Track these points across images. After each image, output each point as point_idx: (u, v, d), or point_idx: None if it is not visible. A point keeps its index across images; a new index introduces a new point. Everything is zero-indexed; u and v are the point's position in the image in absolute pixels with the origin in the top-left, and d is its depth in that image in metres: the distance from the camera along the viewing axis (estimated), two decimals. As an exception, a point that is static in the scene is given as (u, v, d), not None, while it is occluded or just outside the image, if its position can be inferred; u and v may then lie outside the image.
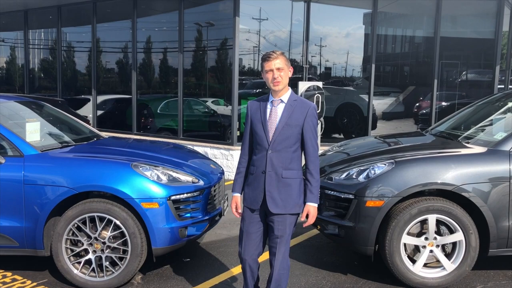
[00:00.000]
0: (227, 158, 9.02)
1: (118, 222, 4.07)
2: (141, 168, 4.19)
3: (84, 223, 4.13)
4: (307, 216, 3.27)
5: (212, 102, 10.35)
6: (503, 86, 11.14)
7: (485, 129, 4.93)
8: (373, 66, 9.62)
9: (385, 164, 4.15)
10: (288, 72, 3.27)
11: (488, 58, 10.27)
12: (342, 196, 4.19)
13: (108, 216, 4.08)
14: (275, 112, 3.26)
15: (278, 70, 3.19)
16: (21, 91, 13.21)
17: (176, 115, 10.09)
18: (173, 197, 4.15)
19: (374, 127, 9.99)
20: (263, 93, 9.86)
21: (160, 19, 10.97)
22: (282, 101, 3.27)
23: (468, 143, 4.58)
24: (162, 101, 10.88)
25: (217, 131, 10.31)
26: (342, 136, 10.30)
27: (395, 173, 4.05)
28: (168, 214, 4.12)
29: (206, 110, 10.42)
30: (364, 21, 10.30)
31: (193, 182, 4.39)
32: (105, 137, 5.68)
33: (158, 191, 4.11)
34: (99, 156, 4.43)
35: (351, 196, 4.12)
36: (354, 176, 4.24)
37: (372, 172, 4.15)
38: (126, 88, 11.11)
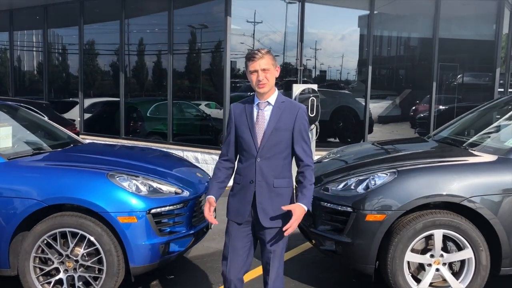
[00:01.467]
0: (218, 164, 8.63)
1: (92, 238, 3.68)
2: (118, 178, 3.80)
3: (54, 239, 3.73)
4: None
5: (203, 105, 10.00)
6: (502, 90, 10.86)
7: (492, 135, 4.58)
8: (370, 68, 9.29)
9: (387, 174, 3.78)
10: (275, 72, 2.94)
11: (488, 61, 9.96)
12: (340, 209, 3.81)
13: (81, 232, 3.68)
14: (262, 115, 2.94)
15: (264, 71, 2.87)
16: (5, 94, 12.77)
17: (166, 119, 9.72)
18: (153, 210, 3.76)
19: (370, 131, 9.67)
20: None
21: (150, 20, 10.63)
22: (269, 103, 2.95)
23: (474, 150, 4.23)
24: (151, 104, 10.53)
25: (208, 135, 9.97)
26: (337, 140, 9.97)
27: (398, 184, 3.68)
28: (147, 229, 3.73)
29: (197, 113, 10.08)
30: (359, 23, 10.02)
31: (176, 193, 4.01)
32: (84, 142, 5.28)
33: (136, 204, 3.72)
34: (73, 164, 4.05)
35: (349, 209, 3.75)
36: (352, 187, 3.86)
37: (372, 182, 3.78)
38: (114, 90, 10.73)
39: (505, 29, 9.90)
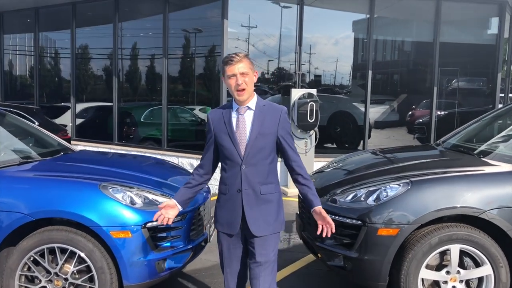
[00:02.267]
0: (215, 171, 8.37)
1: (82, 255, 3.42)
2: (111, 190, 3.53)
3: (42, 255, 3.46)
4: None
5: (199, 110, 9.75)
6: (503, 95, 10.70)
7: (505, 143, 4.35)
8: (370, 73, 9.08)
9: (399, 185, 3.53)
10: (253, 77, 2.83)
11: (489, 66, 9.79)
12: (349, 222, 3.56)
13: (70, 248, 3.42)
14: (243, 121, 2.83)
15: (242, 75, 2.75)
16: (-5, 99, 12.46)
17: (161, 124, 9.44)
18: (149, 224, 3.50)
19: (368, 136, 9.45)
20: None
21: (144, 23, 10.36)
22: (249, 108, 2.85)
23: (488, 158, 4.00)
24: (145, 109, 10.26)
25: (204, 140, 9.67)
26: (335, 146, 9.74)
27: (412, 195, 3.44)
28: (143, 244, 3.47)
29: (193, 118, 9.83)
30: (358, 27, 9.84)
31: (173, 205, 3.73)
32: (76, 150, 5.01)
33: (131, 217, 3.46)
34: (63, 175, 3.77)
35: (359, 223, 3.50)
36: (362, 199, 3.62)
37: (384, 194, 3.53)
38: (107, 95, 10.44)
39: (505, 34, 9.74)
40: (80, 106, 11.02)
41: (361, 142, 9.41)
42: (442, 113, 9.83)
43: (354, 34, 9.95)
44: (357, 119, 9.57)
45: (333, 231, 2.75)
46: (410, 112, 10.21)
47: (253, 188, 2.79)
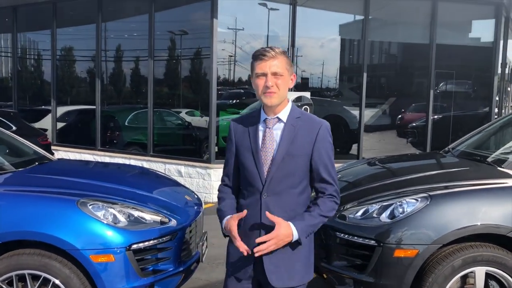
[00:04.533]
0: (204, 178, 7.96)
1: (57, 282, 2.98)
2: (91, 207, 3.10)
3: (10, 283, 3.01)
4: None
5: (186, 113, 9.34)
6: (497, 99, 10.48)
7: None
8: (365, 75, 8.75)
9: (417, 200, 3.16)
10: (289, 81, 2.23)
11: (485, 68, 9.54)
12: (361, 242, 3.18)
13: (44, 274, 2.98)
14: (271, 136, 2.24)
15: (275, 76, 2.17)
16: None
17: (146, 128, 9.00)
18: (134, 246, 3.08)
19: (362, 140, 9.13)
20: (241, 104, 8.90)
21: (129, 23, 9.92)
22: (279, 119, 2.25)
23: (504, 167, 3.65)
24: (130, 112, 9.81)
25: (192, 145, 9.32)
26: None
27: (432, 211, 3.07)
28: (127, 269, 3.04)
29: (180, 122, 9.42)
30: (347, 30, 9.55)
31: (162, 223, 3.32)
32: (54, 159, 4.55)
33: (113, 238, 3.03)
34: (36, 190, 3.32)
35: (373, 242, 3.12)
36: (374, 215, 3.23)
37: (400, 210, 3.15)
38: (90, 98, 9.96)
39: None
40: (61, 110, 10.54)
41: (353, 146, 9.12)
42: (436, 116, 9.56)
43: (347, 36, 9.67)
44: (349, 123, 9.26)
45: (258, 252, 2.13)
46: (400, 116, 9.95)
47: None
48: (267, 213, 2.14)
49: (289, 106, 2.27)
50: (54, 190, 3.33)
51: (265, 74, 2.17)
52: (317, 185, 2.26)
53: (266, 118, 2.26)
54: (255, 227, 2.22)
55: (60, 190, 3.35)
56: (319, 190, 2.26)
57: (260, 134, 2.25)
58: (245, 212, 2.18)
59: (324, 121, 2.28)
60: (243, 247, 2.15)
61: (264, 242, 2.11)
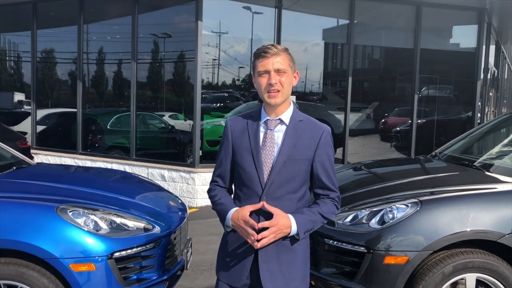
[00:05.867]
0: (188, 182, 7.83)
1: (35, 293, 2.84)
2: (71, 213, 2.98)
3: (-16, 294, 2.86)
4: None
5: (169, 116, 9.21)
6: (480, 104, 10.57)
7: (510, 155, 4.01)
8: (350, 79, 8.74)
9: (407, 205, 3.11)
10: (293, 79, 2.16)
11: (468, 73, 9.62)
12: (350, 249, 3.11)
13: (20, 285, 2.83)
14: (272, 138, 2.14)
15: (278, 73, 2.08)
16: None
17: (129, 131, 8.83)
18: (116, 254, 2.96)
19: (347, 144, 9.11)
20: (225, 107, 8.81)
21: (112, 25, 9.74)
22: (282, 121, 2.16)
23: (493, 173, 3.63)
24: (112, 115, 9.63)
25: (175, 149, 9.17)
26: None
27: (422, 217, 3.02)
28: (109, 278, 2.93)
29: (163, 125, 9.28)
30: (331, 34, 9.54)
31: (145, 230, 3.21)
32: (33, 164, 4.39)
33: (95, 246, 2.91)
34: (12, 196, 3.17)
35: (362, 249, 3.05)
36: (364, 221, 3.17)
37: (390, 215, 3.10)
38: (71, 101, 9.74)
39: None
40: (41, 112, 10.28)
41: (337, 151, 9.03)
42: (420, 121, 9.60)
43: (331, 40, 9.66)
44: (334, 127, 9.22)
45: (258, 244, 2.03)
46: (383, 120, 9.99)
47: None
48: (264, 203, 2.05)
49: (291, 107, 2.20)
50: (32, 196, 3.20)
51: (268, 72, 2.09)
52: (318, 190, 2.20)
53: (268, 119, 2.17)
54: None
55: (38, 196, 3.21)
56: (321, 195, 2.20)
57: (261, 135, 2.17)
58: (262, 203, 2.06)
59: (326, 125, 2.21)
60: (255, 236, 2.01)
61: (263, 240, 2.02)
